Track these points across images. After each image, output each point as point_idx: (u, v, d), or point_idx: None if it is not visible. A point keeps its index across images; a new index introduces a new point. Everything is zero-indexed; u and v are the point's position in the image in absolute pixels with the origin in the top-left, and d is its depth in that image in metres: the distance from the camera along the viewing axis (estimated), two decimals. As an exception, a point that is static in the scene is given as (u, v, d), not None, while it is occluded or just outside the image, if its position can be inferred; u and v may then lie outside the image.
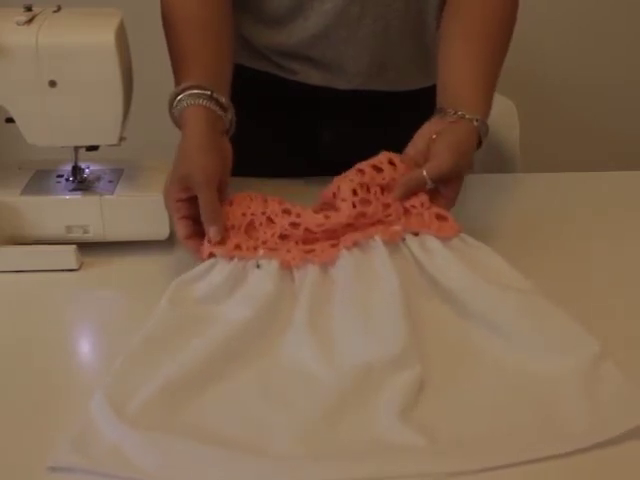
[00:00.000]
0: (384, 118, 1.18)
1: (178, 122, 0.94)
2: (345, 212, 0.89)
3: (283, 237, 0.88)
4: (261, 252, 0.86)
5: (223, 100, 0.94)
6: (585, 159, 1.73)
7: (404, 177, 0.92)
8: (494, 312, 0.81)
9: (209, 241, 0.88)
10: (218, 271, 0.85)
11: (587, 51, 2.23)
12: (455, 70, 1.00)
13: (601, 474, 0.67)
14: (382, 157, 0.95)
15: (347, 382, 0.73)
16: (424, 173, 0.91)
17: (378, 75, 1.16)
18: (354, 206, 0.90)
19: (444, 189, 0.93)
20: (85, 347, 0.87)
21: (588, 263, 0.97)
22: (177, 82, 0.97)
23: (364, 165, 0.94)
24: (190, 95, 0.93)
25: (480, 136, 0.95)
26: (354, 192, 0.91)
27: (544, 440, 0.68)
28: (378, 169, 0.93)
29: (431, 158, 0.93)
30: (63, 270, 0.94)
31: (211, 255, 0.87)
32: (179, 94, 0.93)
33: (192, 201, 0.89)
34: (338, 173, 0.94)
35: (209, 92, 0.93)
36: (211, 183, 0.89)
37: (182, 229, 0.89)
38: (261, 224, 0.89)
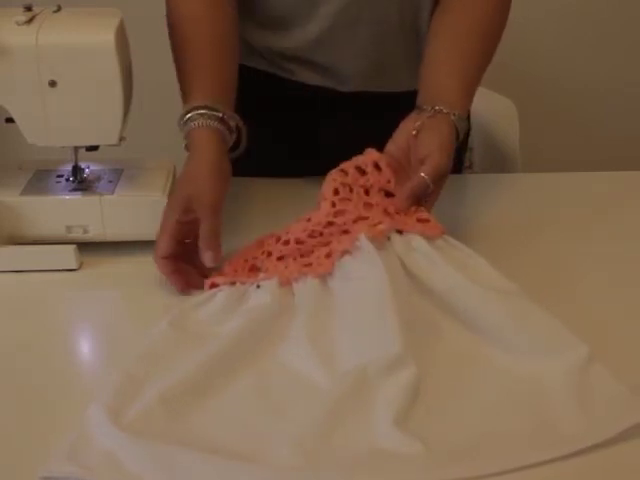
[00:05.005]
0: (384, 118, 1.18)
1: (187, 139, 0.93)
2: (324, 210, 0.90)
3: (280, 259, 0.88)
4: (261, 275, 0.87)
5: (232, 123, 0.94)
6: (585, 159, 1.74)
7: (407, 186, 0.92)
8: (481, 314, 0.80)
9: (201, 267, 0.88)
10: (220, 296, 0.85)
11: (587, 51, 2.23)
12: (435, 67, 1.01)
13: (596, 476, 0.66)
14: (367, 158, 0.95)
15: (344, 390, 0.72)
16: (424, 176, 0.91)
17: (376, 77, 1.16)
18: (333, 205, 0.90)
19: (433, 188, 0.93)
20: (85, 347, 0.87)
21: (587, 263, 0.96)
22: (185, 90, 0.96)
23: (348, 165, 0.94)
24: (201, 115, 0.92)
25: (457, 131, 0.95)
26: (335, 191, 0.91)
27: (539, 445, 0.68)
28: (362, 171, 0.94)
29: (424, 159, 0.92)
30: (63, 270, 0.94)
31: (214, 285, 0.87)
32: (189, 112, 0.93)
33: (189, 224, 0.89)
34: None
35: (220, 114, 0.93)
36: (218, 209, 0.90)
37: (169, 262, 0.89)
38: (263, 261, 0.89)
